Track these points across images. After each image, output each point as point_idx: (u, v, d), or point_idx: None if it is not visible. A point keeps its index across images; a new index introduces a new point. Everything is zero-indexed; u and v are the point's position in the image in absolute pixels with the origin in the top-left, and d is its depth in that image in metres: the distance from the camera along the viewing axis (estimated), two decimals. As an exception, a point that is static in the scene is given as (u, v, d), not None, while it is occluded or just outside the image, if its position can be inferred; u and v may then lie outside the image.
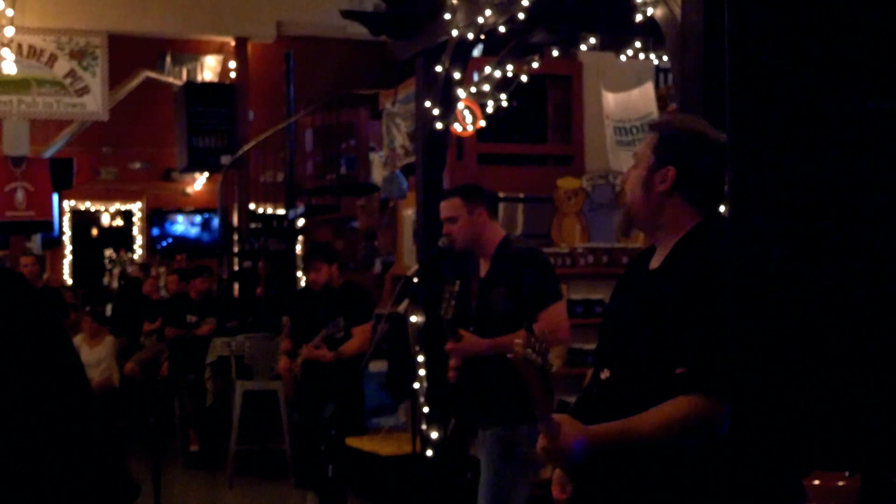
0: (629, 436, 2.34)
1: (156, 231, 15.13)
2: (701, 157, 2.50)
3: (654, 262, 2.56)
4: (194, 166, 12.67)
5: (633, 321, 2.49)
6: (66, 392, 1.22)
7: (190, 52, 14.41)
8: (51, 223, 12.05)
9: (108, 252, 14.91)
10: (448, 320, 4.20)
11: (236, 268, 11.43)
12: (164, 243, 14.95)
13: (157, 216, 15.15)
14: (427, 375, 5.84)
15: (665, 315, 2.39)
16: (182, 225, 15.19)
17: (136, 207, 15.18)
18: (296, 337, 6.56)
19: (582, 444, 2.32)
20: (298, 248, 11.94)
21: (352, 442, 6.84)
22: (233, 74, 12.42)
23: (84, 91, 11.36)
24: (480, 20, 5.41)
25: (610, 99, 7.09)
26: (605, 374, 2.49)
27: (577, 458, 2.34)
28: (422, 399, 5.84)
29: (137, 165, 14.93)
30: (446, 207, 4.45)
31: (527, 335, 2.25)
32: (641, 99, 6.82)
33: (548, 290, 4.27)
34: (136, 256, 14.89)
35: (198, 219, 15.17)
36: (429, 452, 5.61)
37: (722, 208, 2.69)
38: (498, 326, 4.22)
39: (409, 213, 8.50)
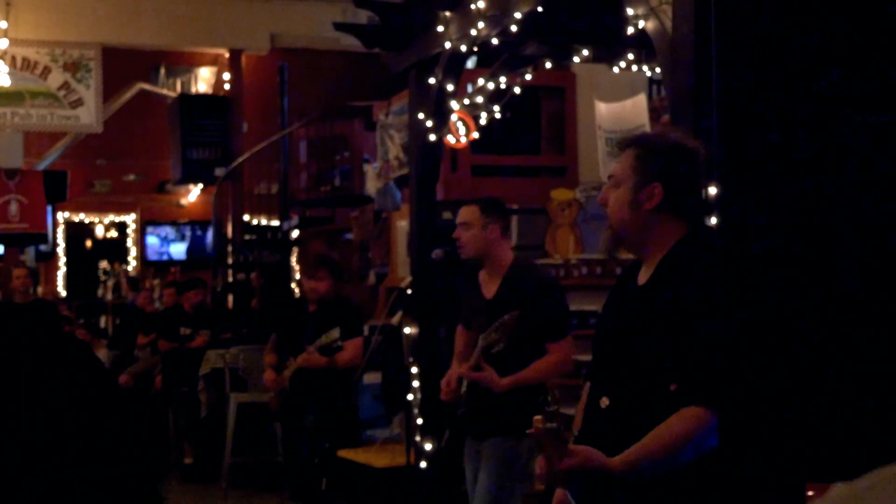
0: (644, 459, 2.28)
1: (150, 242, 15.12)
2: (685, 170, 2.48)
3: (642, 278, 2.54)
4: (188, 178, 12.67)
5: (627, 345, 2.45)
6: (98, 405, 1.23)
7: (184, 64, 14.42)
8: (45, 236, 12.03)
9: (103, 264, 14.89)
10: (489, 353, 4.15)
11: (230, 279, 11.42)
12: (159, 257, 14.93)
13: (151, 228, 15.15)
14: (421, 387, 5.84)
15: (657, 336, 2.37)
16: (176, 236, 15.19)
17: (130, 219, 15.17)
18: (281, 350, 6.54)
19: (579, 488, 2.28)
20: (293, 260, 11.94)
21: (346, 454, 6.83)
22: (227, 86, 12.43)
23: (78, 103, 11.36)
24: (473, 32, 5.43)
25: (602, 108, 7.10)
26: (604, 403, 2.44)
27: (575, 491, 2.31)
28: (416, 411, 5.83)
29: (132, 177, 14.92)
30: (463, 213, 4.49)
31: (545, 412, 2.17)
32: (634, 110, 6.84)
33: (563, 323, 4.34)
34: (130, 268, 14.87)
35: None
36: (423, 464, 5.61)
37: (713, 220, 2.69)
38: (507, 348, 4.21)
39: (402, 224, 8.51)
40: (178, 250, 15.07)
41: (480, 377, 4.19)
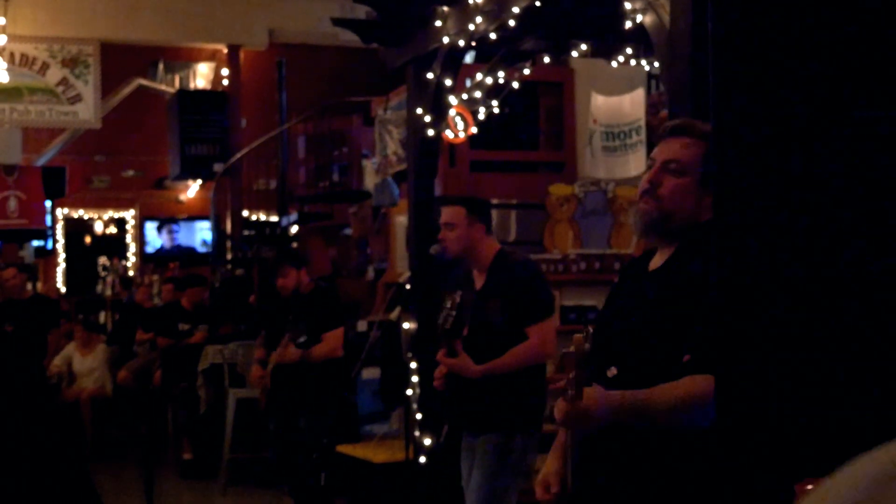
0: (645, 403, 2.35)
1: (149, 239, 15.11)
2: None
3: (655, 263, 2.56)
4: (187, 174, 12.66)
5: (638, 319, 2.48)
6: (25, 406, 1.23)
7: (182, 59, 14.40)
8: (43, 231, 12.05)
9: (102, 260, 14.89)
10: (446, 330, 4.19)
11: (229, 275, 11.40)
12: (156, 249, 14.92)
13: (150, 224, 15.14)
14: (420, 382, 5.84)
15: (671, 310, 2.39)
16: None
17: (129, 215, 15.16)
18: (269, 346, 6.61)
19: (602, 408, 2.32)
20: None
21: (344, 449, 6.83)
22: (225, 82, 12.42)
23: (76, 99, 11.35)
24: (471, 27, 5.42)
25: (599, 101, 7.07)
26: (611, 373, 2.47)
27: (594, 422, 2.34)
28: (415, 406, 5.83)
29: (130, 173, 14.91)
30: (448, 213, 4.47)
31: (586, 331, 2.28)
32: (631, 104, 6.83)
33: (540, 305, 4.30)
34: (129, 264, 14.86)
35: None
36: (422, 459, 5.61)
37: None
38: (492, 338, 4.22)
39: (401, 220, 8.49)
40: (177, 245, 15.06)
41: (454, 363, 4.20)
